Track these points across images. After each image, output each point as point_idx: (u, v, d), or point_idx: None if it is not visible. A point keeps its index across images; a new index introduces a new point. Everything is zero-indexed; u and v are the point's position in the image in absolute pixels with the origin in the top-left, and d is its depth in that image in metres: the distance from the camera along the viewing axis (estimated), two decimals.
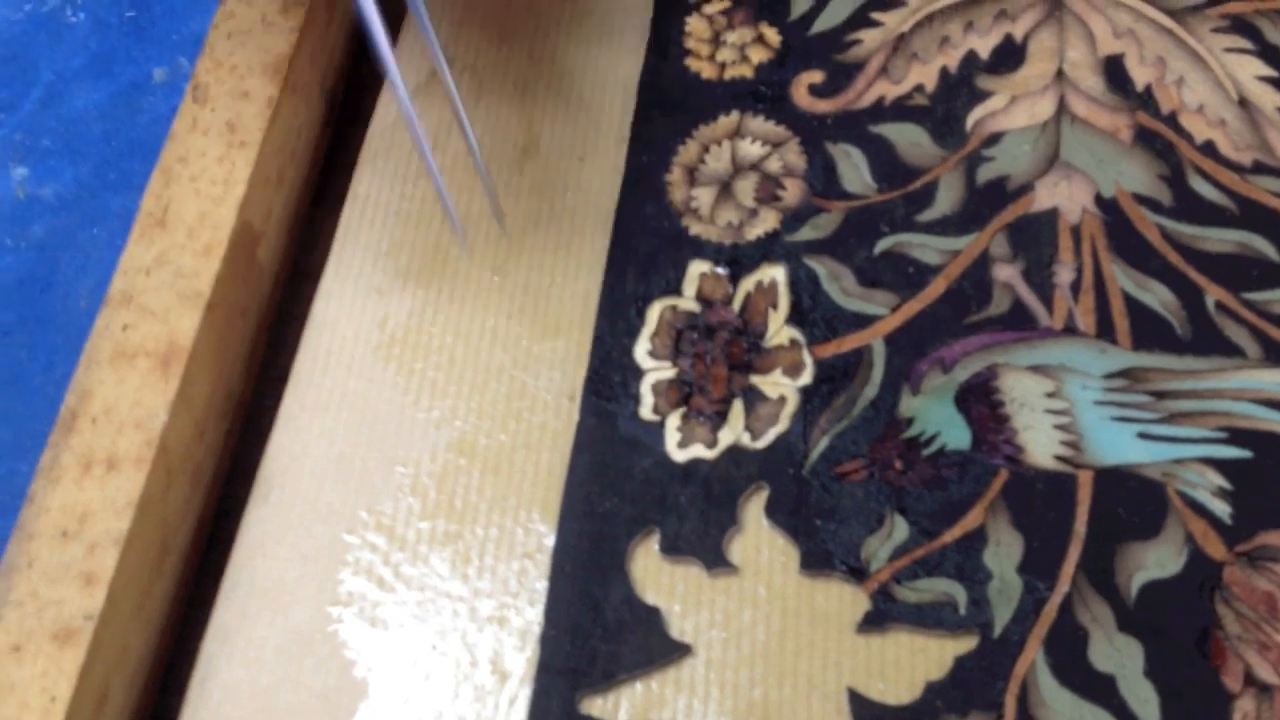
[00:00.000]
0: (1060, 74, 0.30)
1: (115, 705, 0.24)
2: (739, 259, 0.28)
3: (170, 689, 0.25)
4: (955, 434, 0.26)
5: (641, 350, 0.27)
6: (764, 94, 0.30)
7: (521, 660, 0.24)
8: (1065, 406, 0.26)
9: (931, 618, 0.24)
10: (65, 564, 0.23)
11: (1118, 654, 0.23)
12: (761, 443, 0.26)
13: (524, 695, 0.24)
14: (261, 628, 0.24)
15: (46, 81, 0.34)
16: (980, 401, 0.26)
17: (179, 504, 0.25)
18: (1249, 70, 0.30)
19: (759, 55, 0.31)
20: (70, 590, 0.23)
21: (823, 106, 0.30)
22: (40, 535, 0.24)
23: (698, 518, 0.25)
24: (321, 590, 0.25)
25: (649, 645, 0.24)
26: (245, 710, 0.24)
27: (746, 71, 0.31)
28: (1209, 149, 0.29)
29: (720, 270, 0.28)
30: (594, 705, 0.23)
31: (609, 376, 0.27)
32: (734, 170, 0.29)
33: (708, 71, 0.31)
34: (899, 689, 0.23)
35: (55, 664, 0.23)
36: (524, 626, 0.24)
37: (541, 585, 0.25)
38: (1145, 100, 0.29)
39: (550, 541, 0.25)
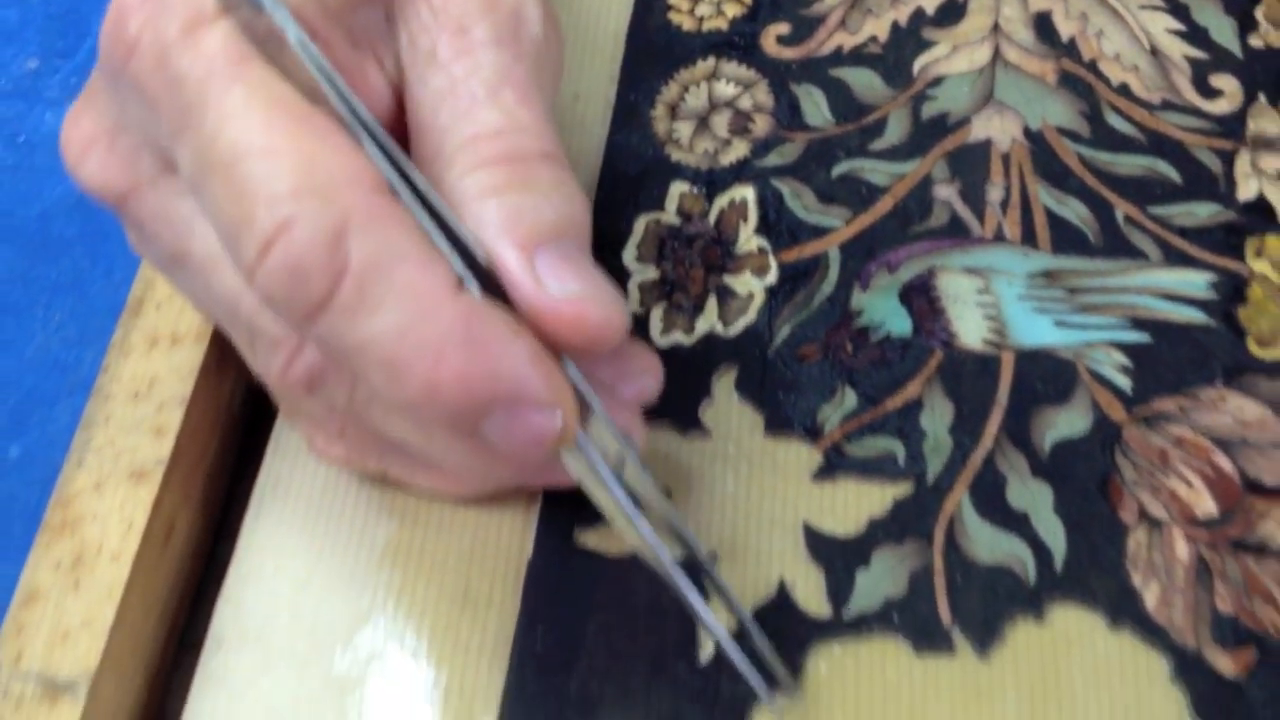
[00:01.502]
0: (996, 27, 0.34)
1: (180, 538, 0.28)
2: (714, 181, 0.32)
3: (224, 535, 0.29)
4: (898, 323, 0.30)
5: (629, 256, 0.31)
6: (737, 43, 0.34)
7: (528, 505, 0.28)
8: (993, 300, 0.30)
9: (875, 469, 0.28)
10: (138, 420, 0.27)
11: (1031, 495, 0.27)
12: (733, 331, 0.30)
13: (531, 529, 0.28)
14: (308, 477, 0.28)
15: (97, 32, 0.38)
16: (920, 297, 0.30)
17: (231, 376, 0.30)
18: (1160, 25, 0.34)
19: (733, 10, 0.35)
20: (143, 440, 0.27)
21: (788, 54, 0.34)
22: (115, 397, 0.28)
23: (675, 391, 0.29)
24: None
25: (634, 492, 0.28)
26: (294, 543, 0.28)
27: (722, 24, 0.35)
28: (1123, 90, 0.33)
29: (697, 190, 0.32)
30: (590, 538, 0.27)
31: None
32: (710, 107, 0.34)
33: (688, 24, 0.35)
34: (846, 524, 0.27)
35: (131, 498, 0.27)
36: None
37: None
38: (1069, 49, 0.34)
39: None
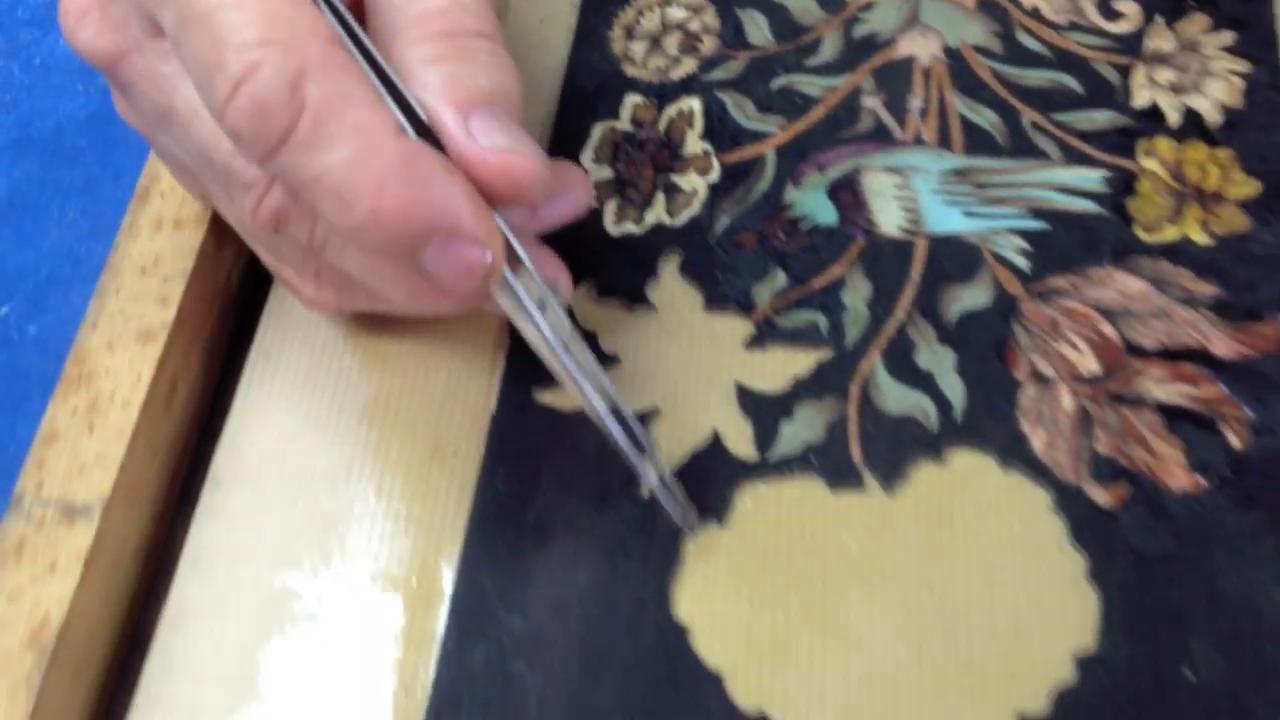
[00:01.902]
0: None
1: (181, 399, 0.31)
2: (665, 94, 0.36)
3: (219, 409, 0.33)
4: (826, 215, 0.33)
5: (587, 158, 0.35)
6: None
7: (492, 367, 0.31)
8: (910, 195, 0.34)
9: (800, 337, 0.32)
10: (145, 290, 0.31)
11: (936, 358, 0.31)
12: (678, 222, 0.34)
13: (495, 389, 0.31)
14: (295, 349, 0.32)
15: None
16: (846, 192, 0.34)
17: (229, 258, 0.33)
18: None
19: None
20: (149, 307, 0.31)
21: None
22: (124, 271, 0.31)
23: (625, 272, 0.33)
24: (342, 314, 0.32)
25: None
26: (284, 403, 0.31)
27: None
28: (1034, 13, 0.37)
29: (649, 101, 0.36)
30: (546, 396, 0.31)
31: None
32: (663, 29, 0.37)
33: None
34: (773, 383, 0.31)
35: (140, 355, 0.30)
36: (494, 343, 0.32)
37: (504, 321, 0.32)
38: None
39: None
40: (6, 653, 0.26)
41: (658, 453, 0.29)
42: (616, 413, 0.28)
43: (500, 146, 0.25)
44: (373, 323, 0.32)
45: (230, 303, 0.34)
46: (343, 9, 0.25)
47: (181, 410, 0.31)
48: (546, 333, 0.26)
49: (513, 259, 0.26)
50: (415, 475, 0.30)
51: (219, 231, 0.32)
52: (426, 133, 0.25)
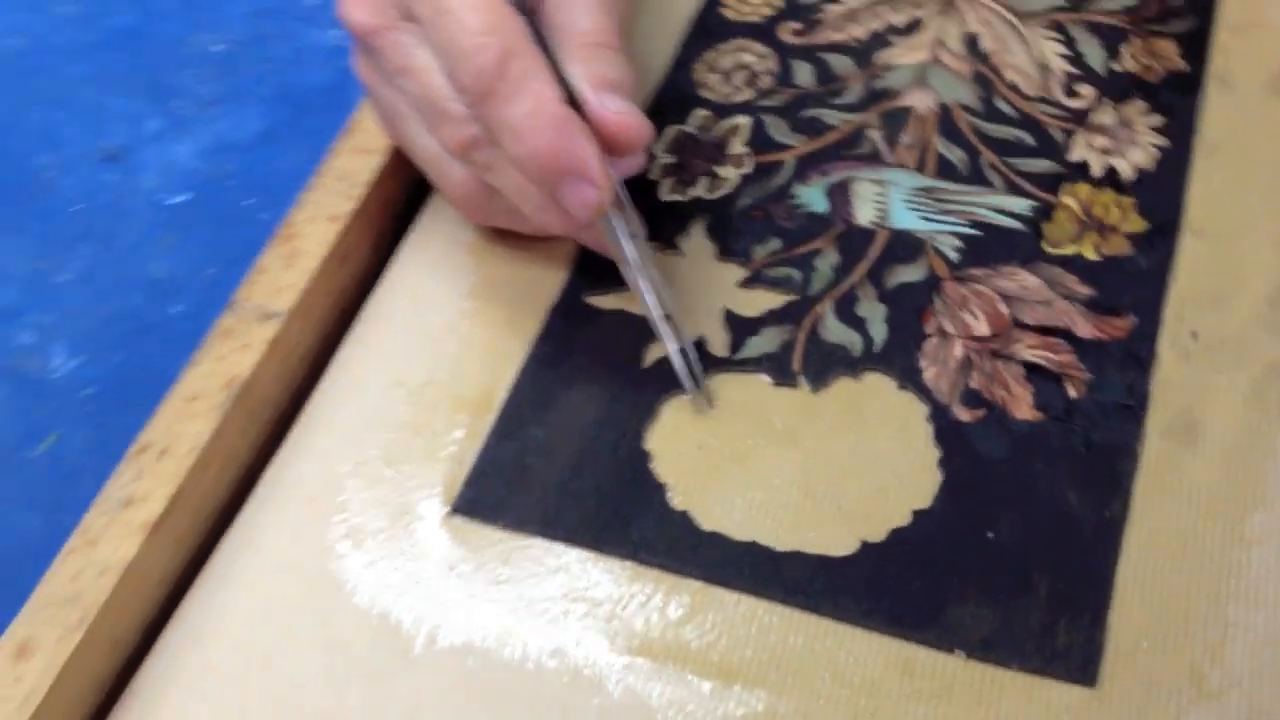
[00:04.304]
0: (939, 40, 0.50)
1: (351, 263, 0.46)
2: (725, 111, 0.49)
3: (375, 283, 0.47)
4: (819, 205, 0.46)
5: (658, 147, 0.48)
6: (763, 29, 0.51)
7: (558, 277, 0.45)
8: (885, 200, 0.46)
9: (779, 284, 0.44)
10: (338, 190, 0.46)
11: (872, 310, 0.43)
12: (713, 197, 0.46)
13: (559, 289, 0.44)
14: (432, 248, 0.46)
15: None
16: (839, 193, 0.46)
17: (399, 181, 0.48)
18: (1052, 49, 0.49)
19: (766, 10, 0.52)
20: (339, 201, 0.45)
21: (796, 41, 0.51)
22: (327, 176, 0.46)
23: (666, 227, 0.46)
24: None
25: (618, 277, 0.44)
26: (415, 285, 0.45)
27: (756, 17, 0.52)
28: (1013, 87, 0.48)
29: (712, 115, 0.49)
30: (593, 298, 0.44)
31: None
32: (734, 67, 0.50)
33: (732, 15, 0.52)
34: (752, 311, 0.43)
35: (327, 229, 0.44)
36: (564, 260, 0.45)
37: None
38: (985, 58, 0.49)
39: None
40: (209, 390, 0.41)
41: (693, 349, 0.41)
42: (670, 319, 0.41)
43: (622, 110, 0.39)
44: (484, 241, 0.46)
45: (396, 210, 0.48)
46: (532, 20, 0.39)
47: (352, 270, 0.46)
48: (631, 254, 0.40)
49: (617, 202, 0.40)
50: (494, 337, 0.44)
51: (395, 161, 0.47)
52: (575, 103, 0.39)
